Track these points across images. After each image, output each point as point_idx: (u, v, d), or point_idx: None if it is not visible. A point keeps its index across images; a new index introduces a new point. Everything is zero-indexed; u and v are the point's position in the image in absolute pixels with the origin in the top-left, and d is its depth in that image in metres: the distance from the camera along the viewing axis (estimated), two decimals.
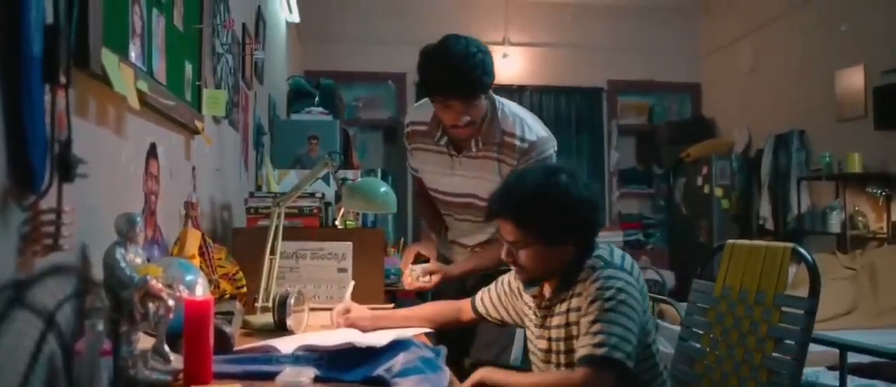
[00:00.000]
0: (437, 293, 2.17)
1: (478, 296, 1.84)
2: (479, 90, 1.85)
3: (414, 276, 2.03)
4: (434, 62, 1.85)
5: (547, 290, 1.64)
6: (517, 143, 1.95)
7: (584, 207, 1.54)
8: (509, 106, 2.02)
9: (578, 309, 1.54)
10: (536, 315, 1.66)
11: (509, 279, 1.77)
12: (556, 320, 1.60)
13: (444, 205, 2.15)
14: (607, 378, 1.44)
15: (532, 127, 1.99)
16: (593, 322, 1.47)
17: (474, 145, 1.98)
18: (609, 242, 1.63)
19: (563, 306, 1.58)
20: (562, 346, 1.59)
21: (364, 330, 1.68)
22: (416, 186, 2.27)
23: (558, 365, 1.60)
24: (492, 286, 1.81)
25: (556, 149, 2.03)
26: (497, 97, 2.01)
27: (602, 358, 1.43)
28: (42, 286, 1.03)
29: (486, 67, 1.84)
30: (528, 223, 1.53)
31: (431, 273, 2.03)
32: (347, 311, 1.76)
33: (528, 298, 1.69)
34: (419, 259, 2.16)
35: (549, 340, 1.62)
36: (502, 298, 1.78)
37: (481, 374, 1.58)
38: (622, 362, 1.44)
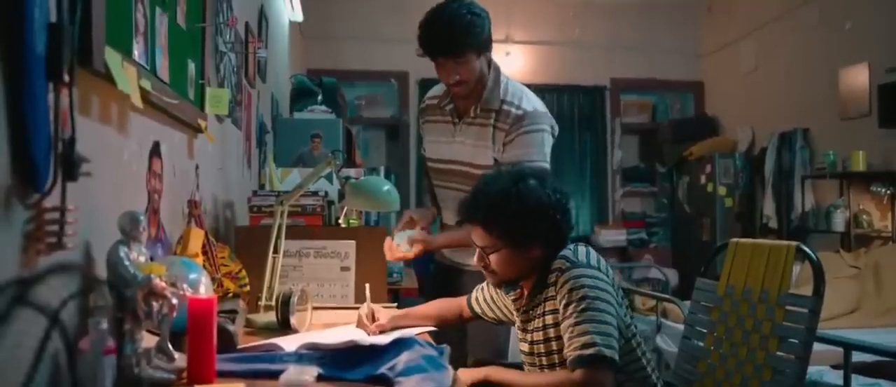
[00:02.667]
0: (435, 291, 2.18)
1: (472, 294, 1.86)
2: (463, 48, 1.95)
3: (398, 243, 2.03)
4: (426, 21, 1.97)
5: (525, 291, 1.66)
6: (513, 110, 2.03)
7: (550, 211, 1.56)
8: (513, 82, 2.12)
9: (555, 312, 1.56)
10: (518, 319, 1.69)
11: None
12: (535, 324, 1.62)
13: (440, 174, 2.20)
14: (604, 375, 1.46)
15: (531, 100, 2.08)
16: (575, 324, 1.48)
17: (473, 111, 2.07)
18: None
19: (539, 310, 1.61)
20: (541, 348, 1.61)
21: (385, 331, 1.70)
22: (425, 170, 2.35)
23: (541, 367, 1.62)
24: (485, 285, 1.83)
25: (554, 131, 2.09)
26: (504, 74, 2.11)
27: (593, 357, 1.45)
28: (46, 285, 1.03)
29: (473, 28, 1.95)
30: (495, 228, 1.56)
31: (414, 242, 2.04)
32: (373, 315, 1.77)
33: (509, 303, 1.72)
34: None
35: (531, 343, 1.64)
36: (494, 297, 1.81)
37: (488, 371, 1.59)
38: (612, 358, 1.46)
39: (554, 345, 1.57)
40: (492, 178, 1.67)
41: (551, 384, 1.51)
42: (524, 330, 1.67)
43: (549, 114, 2.09)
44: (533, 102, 2.07)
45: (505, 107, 2.04)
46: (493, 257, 1.59)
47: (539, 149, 2.04)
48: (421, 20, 1.98)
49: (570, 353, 1.48)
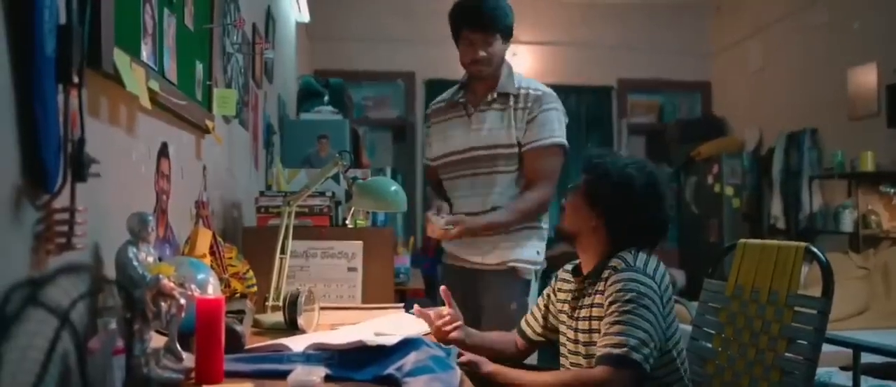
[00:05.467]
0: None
1: (521, 323, 1.87)
2: (495, 23, 2.11)
3: (439, 224, 2.04)
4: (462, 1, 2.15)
5: (584, 270, 1.68)
6: (531, 92, 2.17)
7: (632, 200, 1.61)
8: (520, 74, 2.26)
9: (600, 306, 1.56)
10: (568, 304, 1.69)
11: (548, 293, 1.81)
12: (583, 312, 1.63)
13: (453, 167, 2.22)
14: (625, 378, 1.45)
15: (542, 87, 2.22)
16: (613, 323, 1.49)
17: (490, 96, 2.17)
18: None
19: (588, 301, 1.61)
20: (584, 337, 1.61)
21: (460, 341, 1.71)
22: (427, 176, 2.41)
23: (583, 356, 1.62)
24: (534, 308, 1.86)
25: (564, 117, 2.22)
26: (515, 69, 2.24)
27: (620, 357, 1.45)
28: (56, 285, 1.03)
29: (504, 9, 2.14)
30: (590, 177, 1.66)
31: (455, 224, 2.05)
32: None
33: (569, 281, 1.72)
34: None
35: (577, 331, 1.64)
36: (540, 308, 1.82)
37: (495, 367, 1.60)
38: (640, 364, 1.44)
39: (595, 337, 1.57)
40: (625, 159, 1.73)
41: (561, 382, 1.51)
42: (571, 316, 1.67)
43: (558, 99, 2.22)
44: (545, 89, 2.20)
45: (522, 90, 2.17)
46: (570, 197, 1.69)
47: (560, 126, 2.18)
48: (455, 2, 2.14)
49: (599, 349, 1.49)
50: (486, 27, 2.11)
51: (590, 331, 1.59)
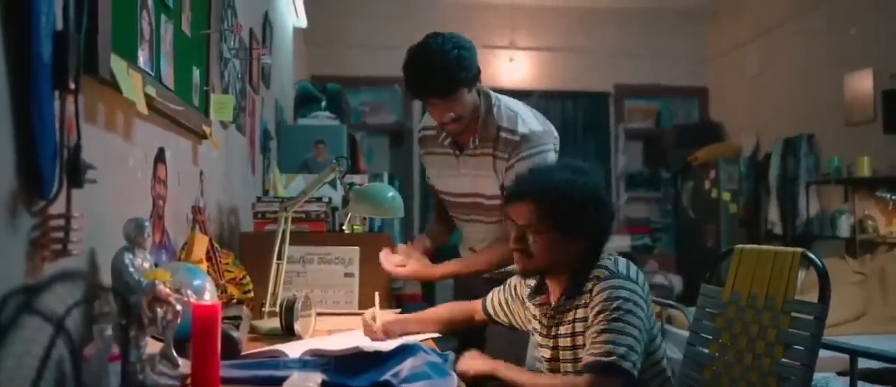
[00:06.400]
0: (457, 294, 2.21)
1: (488, 296, 1.85)
2: (453, 86, 1.86)
3: (388, 264, 2.02)
4: (410, 63, 1.87)
5: (553, 297, 1.64)
6: (509, 137, 1.95)
7: (603, 210, 1.57)
8: (506, 101, 2.03)
9: (585, 319, 1.54)
10: (542, 324, 1.67)
11: (516, 284, 1.78)
12: (563, 330, 1.60)
13: (453, 207, 2.16)
14: (613, 386, 1.44)
15: (526, 120, 1.98)
16: (601, 331, 1.48)
17: (472, 143, 1.99)
18: (616, 249, 1.65)
19: (570, 316, 1.59)
20: (568, 355, 1.59)
21: (393, 335, 1.69)
22: (434, 198, 2.28)
23: (564, 374, 1.61)
24: (501, 288, 1.83)
25: (556, 144, 2.01)
26: (494, 94, 2.02)
27: (608, 365, 1.44)
28: (51, 291, 1.03)
29: (461, 63, 1.84)
30: (550, 207, 1.52)
31: (409, 262, 2.03)
32: (374, 320, 1.75)
33: (532, 306, 1.69)
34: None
35: (556, 349, 1.62)
36: (509, 301, 1.80)
37: (495, 365, 1.59)
38: (629, 372, 1.44)
39: (580, 353, 1.55)
40: (550, 167, 1.68)
41: (551, 386, 1.51)
42: (548, 335, 1.64)
43: (548, 130, 2.01)
44: (528, 123, 1.97)
45: (502, 134, 1.96)
46: (536, 238, 1.55)
47: None
48: (404, 62, 1.88)
49: (587, 356, 1.48)
50: (444, 92, 1.87)
51: (574, 347, 1.58)
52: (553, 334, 1.62)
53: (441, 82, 1.85)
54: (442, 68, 1.83)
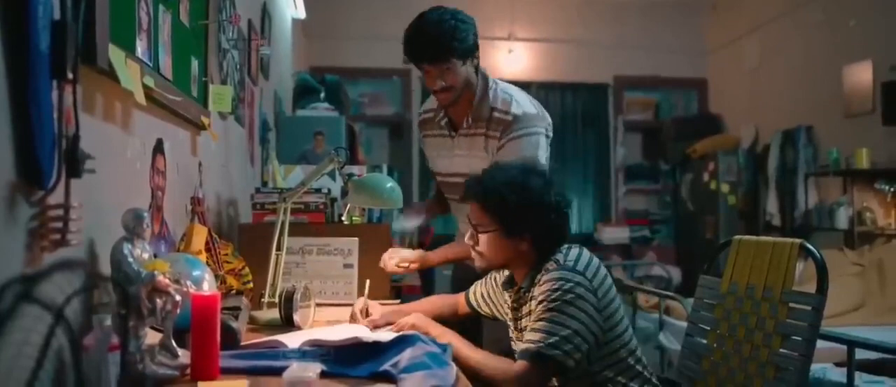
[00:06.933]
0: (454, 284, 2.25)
1: (471, 289, 1.90)
2: (445, 55, 1.92)
3: (393, 262, 2.08)
4: (410, 30, 1.96)
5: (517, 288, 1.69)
6: (501, 116, 2.00)
7: (548, 211, 1.61)
8: (503, 86, 2.09)
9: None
10: (510, 315, 1.72)
11: (496, 276, 1.82)
12: (523, 322, 1.66)
13: (447, 188, 2.20)
14: (541, 373, 1.50)
15: (520, 103, 2.03)
16: (537, 320, 1.53)
17: (466, 123, 2.05)
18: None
19: (526, 309, 1.64)
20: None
21: (378, 327, 1.72)
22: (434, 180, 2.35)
23: None
24: (483, 281, 1.87)
25: (549, 130, 2.05)
26: (493, 78, 2.08)
27: (536, 353, 1.49)
28: (50, 282, 1.03)
29: (455, 33, 1.91)
30: (491, 208, 1.61)
31: (411, 261, 2.09)
32: (367, 310, 1.80)
33: (506, 296, 1.74)
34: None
35: (517, 339, 1.67)
36: (490, 293, 1.84)
37: (440, 330, 1.64)
38: (556, 359, 1.48)
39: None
40: (503, 166, 1.71)
41: (491, 367, 1.54)
42: (515, 326, 1.71)
43: (542, 115, 2.04)
44: (523, 105, 2.02)
45: (495, 114, 2.01)
46: (482, 238, 1.64)
47: (532, 152, 1.99)
48: (406, 28, 1.97)
49: (521, 344, 1.54)
50: (435, 59, 1.93)
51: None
52: (519, 326, 1.68)
53: (434, 50, 1.92)
54: (436, 36, 1.91)
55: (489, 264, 1.69)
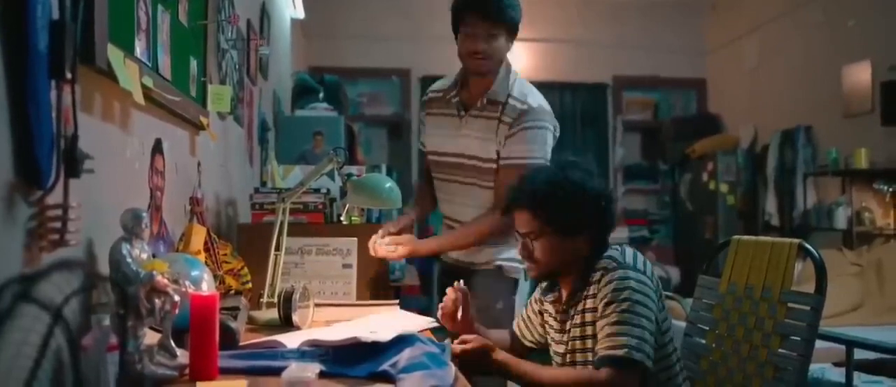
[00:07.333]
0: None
1: (515, 327, 1.85)
2: (502, 14, 1.97)
3: (382, 245, 2.04)
4: None
5: (564, 292, 1.64)
6: (517, 104, 2.03)
7: (599, 200, 1.57)
8: (522, 80, 2.12)
9: (594, 310, 1.54)
10: (556, 320, 1.67)
11: (535, 297, 1.79)
12: (573, 322, 1.60)
13: (442, 167, 2.18)
14: (631, 379, 1.45)
15: (536, 97, 2.08)
16: (612, 323, 1.47)
17: (480, 102, 2.05)
18: (620, 242, 1.64)
19: (578, 308, 1.59)
20: (578, 345, 1.59)
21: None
22: (423, 165, 2.36)
23: (576, 366, 1.60)
24: (523, 308, 1.84)
25: (556, 130, 2.09)
26: (515, 70, 2.11)
27: (623, 359, 1.44)
28: (49, 282, 1.03)
29: (514, 3, 1.99)
30: (543, 211, 1.54)
31: (399, 245, 2.04)
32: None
33: (548, 305, 1.70)
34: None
35: (568, 342, 1.62)
36: (531, 316, 1.80)
37: (504, 356, 1.56)
38: (642, 363, 1.45)
39: (590, 343, 1.55)
40: (537, 169, 1.69)
41: (571, 379, 1.51)
42: (562, 331, 1.65)
43: (552, 114, 2.09)
44: (538, 99, 2.07)
45: (510, 100, 2.04)
46: (537, 245, 1.56)
47: (541, 146, 2.03)
48: None
49: (600, 350, 1.47)
50: (490, 16, 1.96)
51: (583, 338, 1.58)
52: (566, 328, 1.63)
53: (490, 3, 1.96)
54: None
55: (548, 270, 1.61)
